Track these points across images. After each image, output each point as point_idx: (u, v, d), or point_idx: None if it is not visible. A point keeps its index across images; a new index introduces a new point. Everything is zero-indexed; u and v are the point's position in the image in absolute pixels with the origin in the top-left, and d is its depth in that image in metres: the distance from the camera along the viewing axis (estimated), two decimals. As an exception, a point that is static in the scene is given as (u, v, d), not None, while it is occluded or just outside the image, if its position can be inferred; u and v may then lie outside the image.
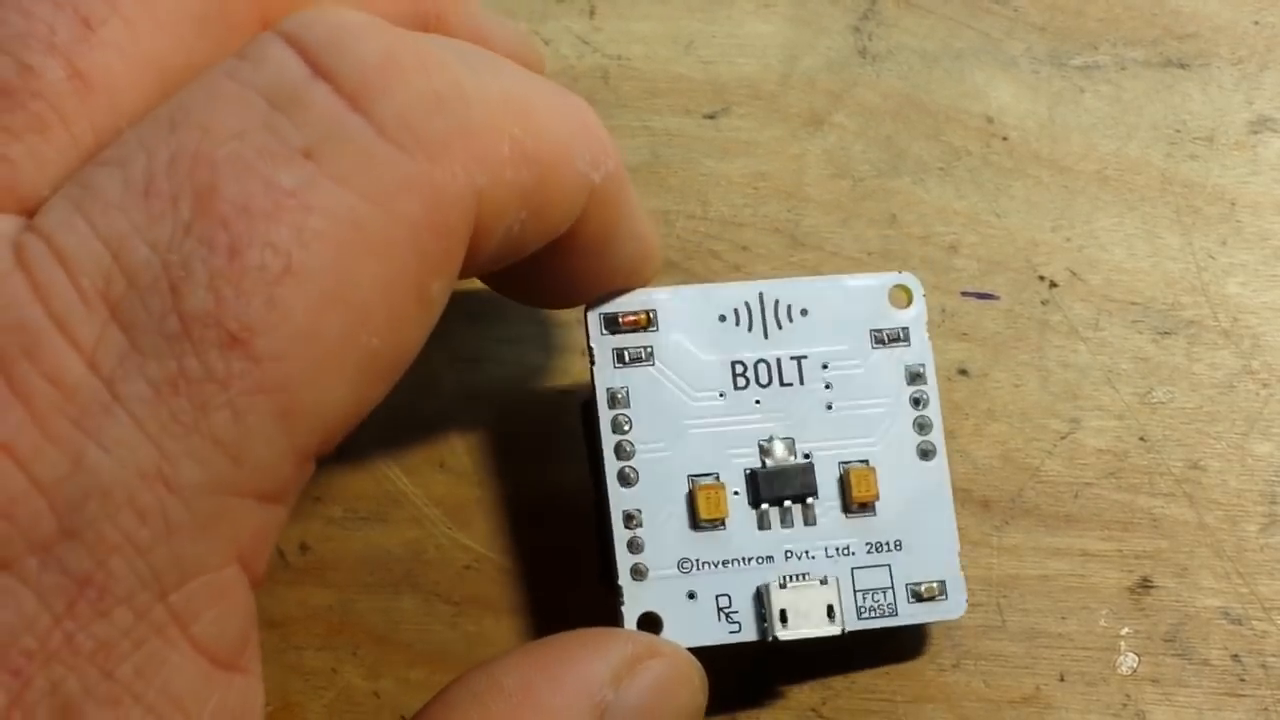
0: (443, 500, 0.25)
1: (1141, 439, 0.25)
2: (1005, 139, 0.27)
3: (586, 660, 0.20)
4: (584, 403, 0.23)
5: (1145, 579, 0.24)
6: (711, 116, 0.27)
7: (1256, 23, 0.28)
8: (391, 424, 0.25)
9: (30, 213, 0.17)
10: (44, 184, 0.17)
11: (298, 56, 0.17)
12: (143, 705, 0.16)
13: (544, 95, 0.19)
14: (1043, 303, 0.26)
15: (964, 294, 0.26)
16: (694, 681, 0.21)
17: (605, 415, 0.23)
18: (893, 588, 0.23)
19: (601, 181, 0.20)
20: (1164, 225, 0.27)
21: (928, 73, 0.28)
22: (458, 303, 0.25)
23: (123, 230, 0.16)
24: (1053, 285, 0.26)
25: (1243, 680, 0.24)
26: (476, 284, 0.26)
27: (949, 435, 0.25)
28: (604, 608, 0.22)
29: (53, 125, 0.17)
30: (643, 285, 0.23)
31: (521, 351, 0.26)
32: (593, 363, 0.23)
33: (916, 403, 0.23)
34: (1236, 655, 0.24)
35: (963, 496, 0.25)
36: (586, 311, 0.23)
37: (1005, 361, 0.26)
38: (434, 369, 0.25)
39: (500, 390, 0.25)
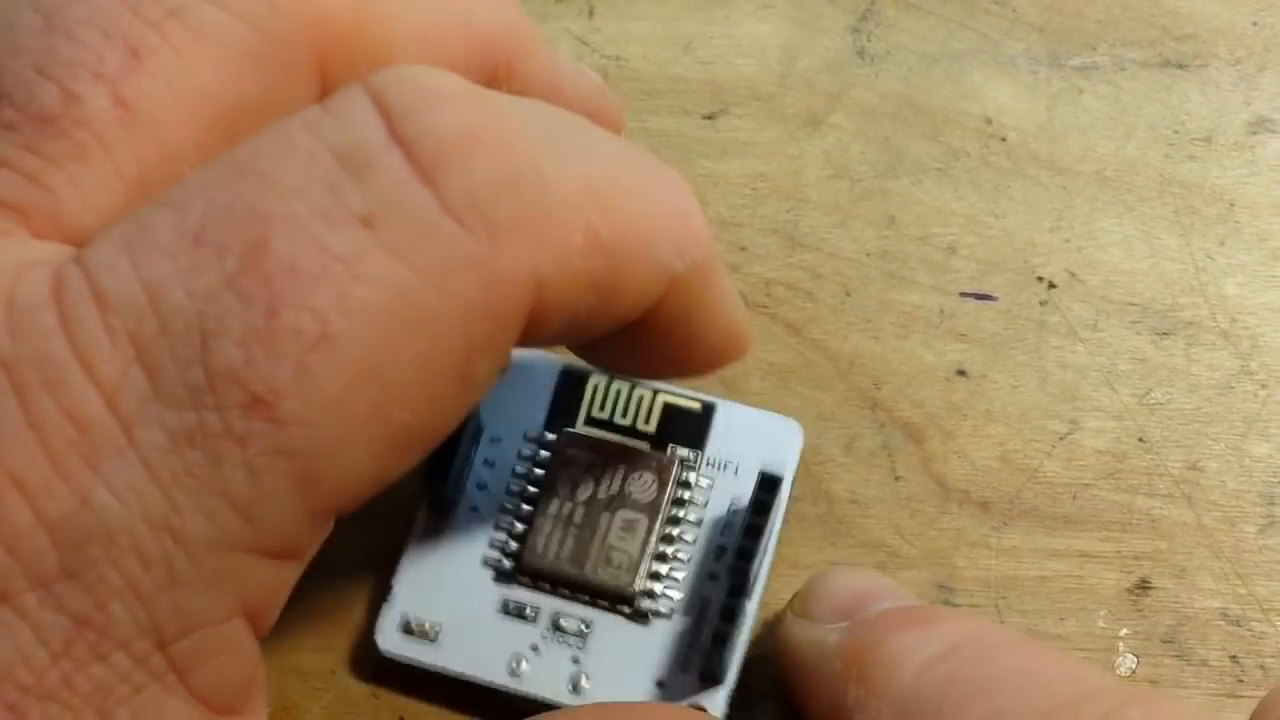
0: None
1: (1140, 440, 0.25)
2: (1004, 140, 0.27)
3: None
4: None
5: (1144, 580, 0.24)
6: (710, 117, 0.27)
7: (1255, 23, 0.28)
8: (390, 425, 0.25)
9: (74, 241, 0.17)
10: (86, 213, 0.17)
11: (380, 117, 0.16)
12: None
13: (635, 176, 0.18)
14: (1041, 303, 0.26)
15: (962, 295, 0.26)
16: None
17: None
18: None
19: (685, 271, 0.19)
20: (1162, 226, 0.27)
21: (926, 73, 0.28)
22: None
23: (164, 274, 0.15)
24: (1051, 286, 0.26)
25: (1241, 681, 0.24)
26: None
27: (947, 436, 0.25)
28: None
29: (95, 154, 0.17)
30: (725, 365, 0.22)
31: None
32: None
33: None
34: (1235, 656, 0.24)
35: (961, 497, 0.25)
36: None
37: (1003, 362, 0.26)
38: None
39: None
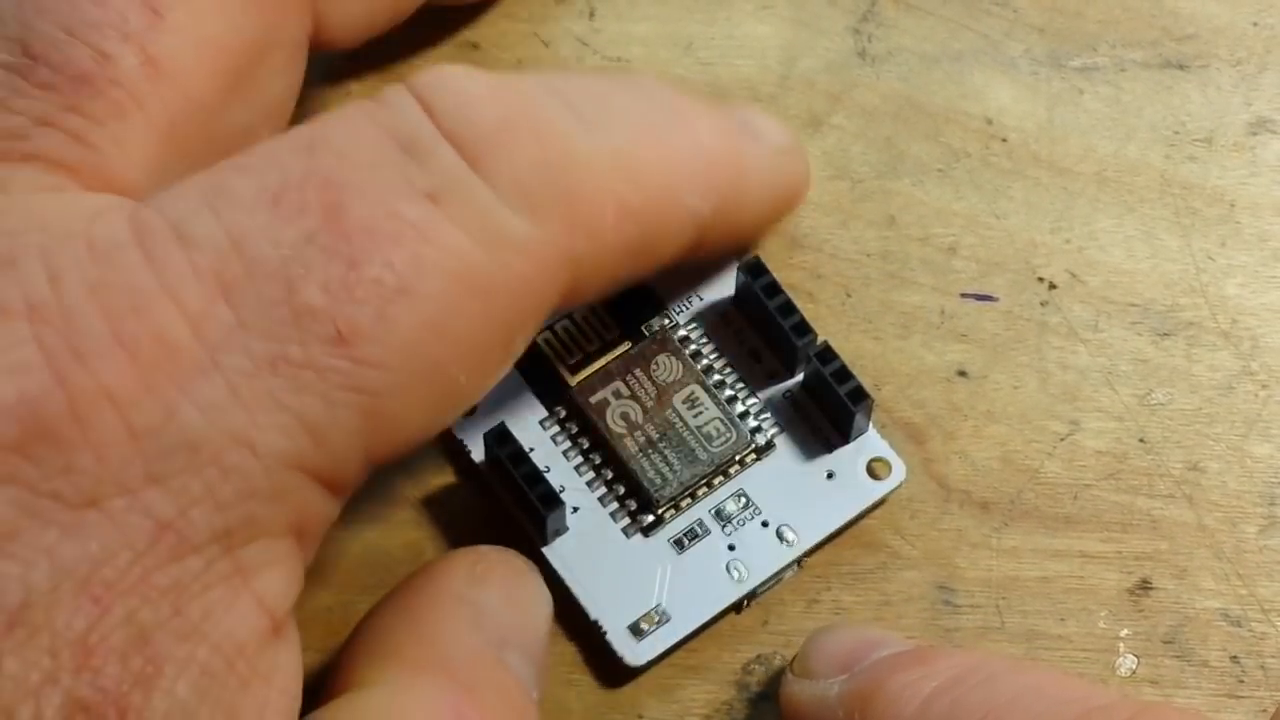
0: (443, 502, 0.25)
1: (1141, 440, 0.25)
2: (1004, 140, 0.27)
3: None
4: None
5: (1144, 581, 0.24)
6: (711, 118, 0.27)
7: (1255, 24, 0.28)
8: (391, 426, 0.25)
9: (120, 192, 0.18)
10: (129, 166, 0.19)
11: (425, 114, 0.18)
12: (209, 644, 0.17)
13: (656, 132, 0.20)
14: (1042, 304, 0.26)
15: (963, 295, 0.26)
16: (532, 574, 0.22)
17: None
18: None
19: (712, 212, 0.21)
20: (1163, 227, 0.27)
21: (927, 74, 0.28)
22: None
23: (248, 227, 0.17)
24: (1052, 287, 0.26)
25: (1241, 682, 0.24)
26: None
27: (948, 436, 0.25)
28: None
29: (131, 110, 0.19)
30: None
31: (521, 353, 0.26)
32: None
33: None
34: (1236, 657, 0.24)
35: (962, 498, 0.25)
36: None
37: (1004, 363, 0.26)
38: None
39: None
